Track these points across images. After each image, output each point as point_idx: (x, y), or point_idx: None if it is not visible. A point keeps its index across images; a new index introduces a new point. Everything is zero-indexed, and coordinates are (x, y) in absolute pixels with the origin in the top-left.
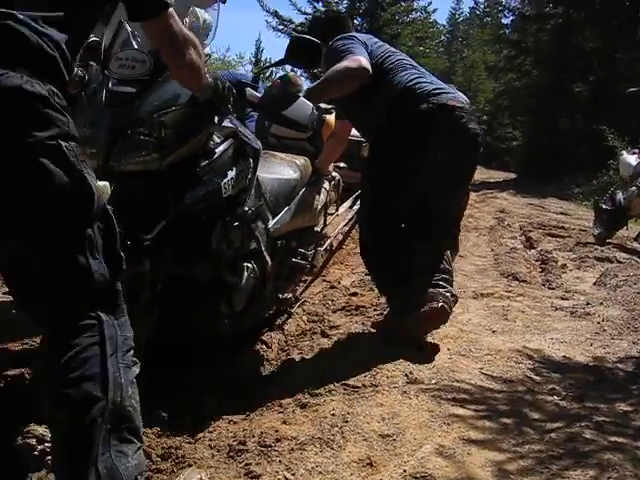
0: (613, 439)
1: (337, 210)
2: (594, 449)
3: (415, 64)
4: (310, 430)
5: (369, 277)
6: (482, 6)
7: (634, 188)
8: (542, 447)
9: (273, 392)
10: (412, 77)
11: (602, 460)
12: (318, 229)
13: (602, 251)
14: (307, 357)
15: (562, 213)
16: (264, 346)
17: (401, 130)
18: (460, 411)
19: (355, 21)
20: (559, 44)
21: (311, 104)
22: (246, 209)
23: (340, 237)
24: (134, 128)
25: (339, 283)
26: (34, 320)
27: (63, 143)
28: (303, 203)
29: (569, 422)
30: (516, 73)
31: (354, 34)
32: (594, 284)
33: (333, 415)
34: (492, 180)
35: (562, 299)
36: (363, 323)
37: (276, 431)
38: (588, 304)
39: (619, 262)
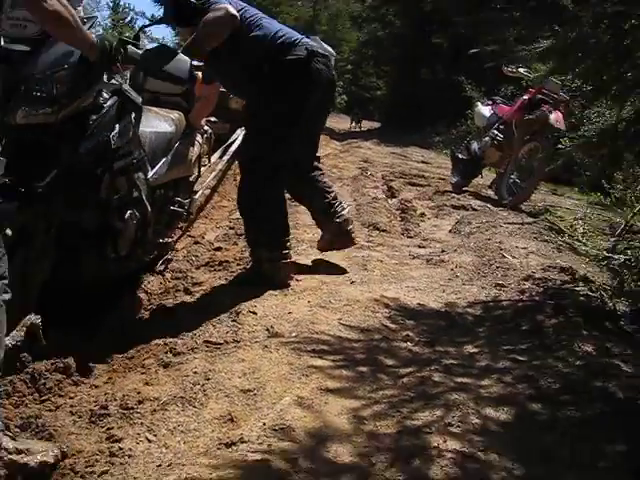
0: (459, 380)
1: (209, 161)
2: (442, 391)
3: (271, 18)
4: (172, 390)
5: (233, 231)
6: None
7: (487, 138)
8: (395, 392)
9: (135, 353)
10: (278, 28)
11: (448, 401)
12: (192, 179)
13: (458, 199)
14: (170, 315)
15: (423, 162)
16: (128, 306)
17: (283, 76)
18: (319, 362)
19: None
20: None
21: (188, 59)
22: (130, 160)
23: (208, 191)
24: (28, 84)
25: (203, 238)
26: None
27: None
28: (178, 155)
29: (420, 366)
30: (380, 23)
31: None
32: (450, 232)
33: (195, 373)
34: (358, 130)
35: (419, 247)
36: (226, 279)
37: (138, 393)
38: (443, 252)
39: (474, 210)
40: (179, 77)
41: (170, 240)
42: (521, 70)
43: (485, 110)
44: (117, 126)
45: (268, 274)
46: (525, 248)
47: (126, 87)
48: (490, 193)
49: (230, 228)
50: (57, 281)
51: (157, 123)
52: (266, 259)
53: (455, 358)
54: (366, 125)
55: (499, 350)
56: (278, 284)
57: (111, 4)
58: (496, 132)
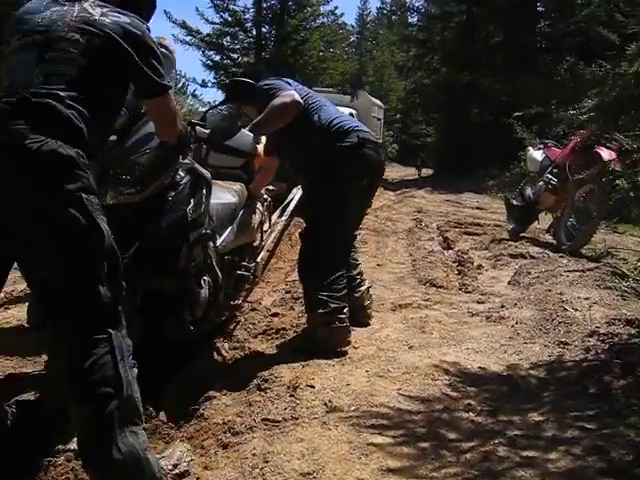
0: (525, 454)
1: (270, 226)
2: (507, 467)
3: (333, 106)
4: (232, 474)
5: (289, 295)
6: (389, 5)
7: (541, 183)
8: (458, 470)
9: (195, 432)
10: (335, 115)
11: (515, 478)
12: (256, 244)
13: (516, 247)
14: (229, 389)
15: (478, 208)
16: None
17: (335, 161)
18: (379, 439)
19: (263, 29)
20: (464, 41)
21: (251, 134)
22: (203, 231)
23: (267, 254)
24: (115, 169)
25: (260, 304)
26: (56, 335)
27: (84, 195)
28: (243, 223)
29: (484, 439)
30: (425, 71)
31: (279, 77)
32: (508, 283)
33: (254, 455)
34: (410, 177)
35: (478, 303)
36: (283, 347)
37: (197, 478)
38: (503, 306)
39: (532, 257)
40: (242, 151)
41: (239, 302)
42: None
43: (537, 154)
44: (192, 201)
45: (323, 338)
46: (588, 298)
47: (196, 164)
48: (548, 238)
49: (287, 292)
50: (140, 344)
51: (222, 195)
52: (320, 322)
53: (520, 428)
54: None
55: (566, 417)
56: (333, 349)
57: None
58: (550, 176)
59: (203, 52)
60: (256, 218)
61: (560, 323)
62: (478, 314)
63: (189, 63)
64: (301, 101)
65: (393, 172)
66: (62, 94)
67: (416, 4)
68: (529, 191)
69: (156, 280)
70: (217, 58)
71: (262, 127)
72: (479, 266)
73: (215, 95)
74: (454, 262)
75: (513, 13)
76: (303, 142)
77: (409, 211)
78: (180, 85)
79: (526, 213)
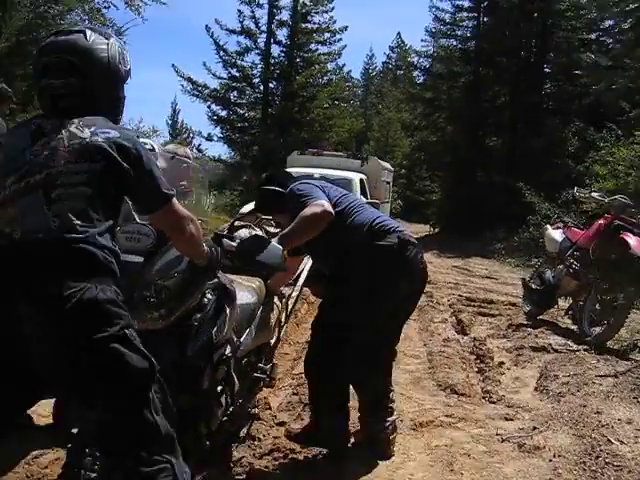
0: None
1: (287, 321)
2: None
3: (368, 206)
4: None
5: (297, 397)
6: (394, 60)
7: (562, 266)
8: None
9: None
10: (374, 215)
11: None
12: (272, 343)
13: (536, 336)
14: None
15: (487, 277)
16: None
17: (372, 261)
18: None
19: (270, 85)
20: (470, 100)
21: (281, 247)
22: (227, 350)
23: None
24: (140, 292)
25: (265, 408)
26: (117, 467)
27: (127, 331)
28: (261, 323)
29: None
30: (432, 130)
31: (312, 181)
32: (535, 389)
33: None
34: (415, 236)
35: (506, 419)
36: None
37: None
38: (535, 428)
39: (556, 351)
40: (271, 265)
41: (256, 411)
42: (594, 195)
43: (556, 234)
44: (217, 322)
45: (324, 438)
46: (630, 422)
47: (223, 278)
48: (567, 322)
49: (294, 393)
50: None
51: (242, 295)
52: (325, 426)
53: None
54: (423, 230)
55: None
56: (333, 452)
57: (170, 122)
58: (571, 260)
59: (209, 106)
60: (274, 316)
61: (607, 464)
62: (509, 439)
63: (197, 116)
64: (332, 211)
65: None
66: (84, 233)
67: (422, 62)
68: (549, 274)
69: (177, 400)
70: (223, 113)
71: (292, 239)
72: (500, 364)
73: (220, 149)
74: (472, 354)
75: (520, 74)
76: (338, 245)
77: None
78: (185, 136)
79: (545, 297)
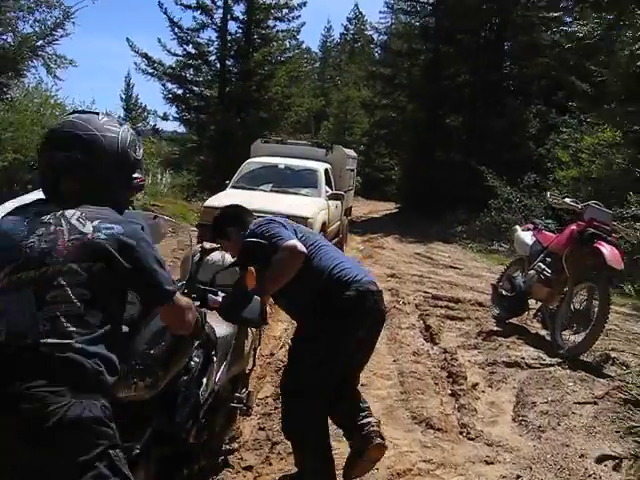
0: None
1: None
2: None
3: (329, 244)
4: None
5: (264, 434)
6: (352, 32)
7: (533, 272)
8: None
9: None
10: (334, 262)
11: None
12: (248, 370)
13: (508, 347)
14: None
15: (451, 266)
16: None
17: (333, 314)
18: None
19: (227, 62)
20: (430, 78)
21: (259, 299)
22: (210, 399)
23: None
24: (127, 361)
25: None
26: None
27: (112, 452)
28: (237, 352)
29: None
30: (391, 108)
31: (271, 217)
32: (513, 420)
33: None
34: (376, 215)
35: (487, 463)
36: None
37: None
38: (519, 478)
39: (529, 367)
40: (254, 319)
41: (234, 446)
42: (567, 200)
43: (526, 237)
44: (204, 380)
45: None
46: (617, 469)
47: (207, 328)
48: (537, 326)
49: (260, 428)
50: None
51: (220, 328)
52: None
53: None
54: (383, 208)
55: None
56: None
57: (123, 96)
58: (542, 265)
59: (164, 85)
60: (249, 342)
61: None
62: None
63: (152, 94)
64: (304, 250)
65: (358, 207)
66: (76, 343)
67: (381, 38)
68: (519, 280)
69: (158, 450)
70: (179, 91)
71: (269, 286)
72: (474, 385)
73: (176, 128)
74: (444, 370)
75: (480, 52)
76: (299, 288)
77: (381, 273)
78: (139, 111)
79: (516, 304)
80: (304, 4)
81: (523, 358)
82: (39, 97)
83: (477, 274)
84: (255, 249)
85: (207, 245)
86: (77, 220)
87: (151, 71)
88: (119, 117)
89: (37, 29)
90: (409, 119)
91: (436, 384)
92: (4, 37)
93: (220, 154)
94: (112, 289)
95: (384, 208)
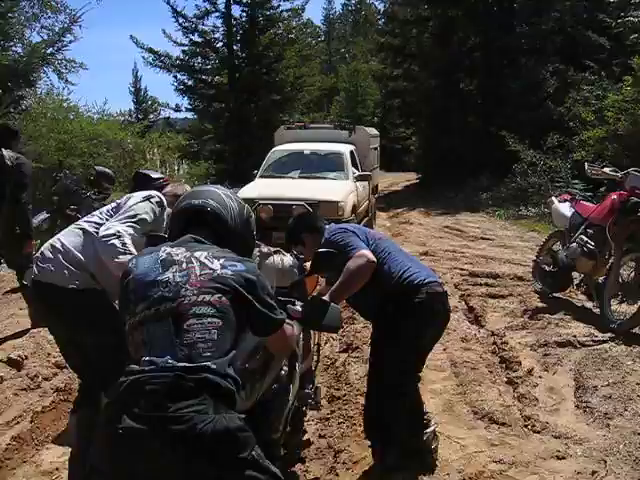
0: None
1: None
2: None
3: (398, 248)
4: None
5: (324, 440)
6: (353, 2)
7: (575, 245)
8: None
9: None
10: (405, 266)
11: None
12: (313, 367)
13: (557, 325)
14: None
15: (482, 238)
16: None
17: (406, 316)
18: None
19: (234, 47)
20: (441, 44)
21: (339, 307)
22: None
23: None
24: None
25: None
26: None
27: (254, 453)
28: (304, 350)
29: None
30: (404, 79)
31: (344, 226)
32: (577, 407)
33: None
34: (397, 188)
35: (558, 458)
36: None
37: None
38: (594, 473)
39: (583, 345)
40: (333, 325)
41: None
42: (606, 170)
43: (564, 208)
44: (290, 388)
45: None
46: None
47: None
48: (582, 298)
49: (320, 436)
50: None
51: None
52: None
53: None
54: (403, 178)
55: None
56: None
57: (132, 89)
58: (585, 238)
59: (175, 76)
60: (311, 340)
61: None
62: None
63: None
64: (374, 259)
65: (379, 182)
66: (212, 365)
67: (386, 6)
68: (561, 254)
69: None
70: (190, 82)
71: (342, 294)
72: (529, 371)
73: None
74: (496, 356)
75: (489, 13)
76: (372, 291)
77: (414, 252)
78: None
79: (561, 279)
80: None
81: (575, 336)
82: (52, 103)
83: (510, 244)
84: (328, 259)
85: (265, 249)
86: (206, 258)
87: (159, 64)
88: (129, 110)
89: (45, 36)
90: (422, 88)
91: (490, 372)
92: (14, 48)
93: (236, 141)
94: (236, 319)
95: (404, 179)
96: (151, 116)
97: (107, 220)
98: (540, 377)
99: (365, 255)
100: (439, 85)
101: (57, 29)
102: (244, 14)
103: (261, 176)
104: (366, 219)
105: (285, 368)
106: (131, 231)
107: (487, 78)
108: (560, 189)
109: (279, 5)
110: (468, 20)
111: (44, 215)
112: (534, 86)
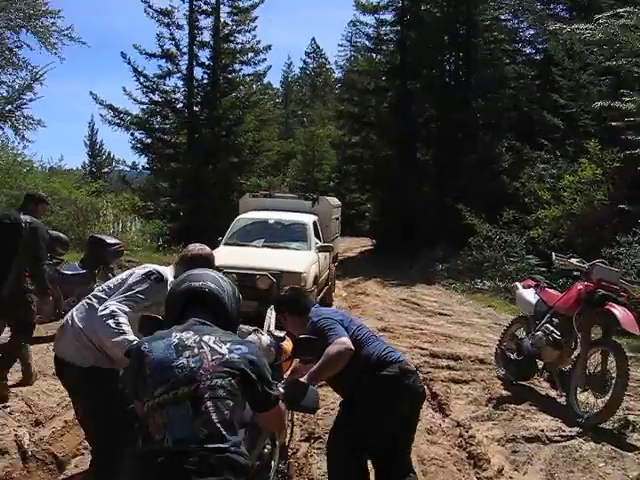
0: None
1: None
2: None
3: (377, 336)
4: None
5: None
6: (311, 66)
7: (540, 334)
8: None
9: None
10: (381, 347)
11: None
12: (286, 441)
13: (523, 417)
14: None
15: (440, 313)
16: None
17: (378, 390)
18: None
19: (195, 108)
20: (399, 115)
21: (316, 389)
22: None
23: None
24: None
25: None
26: None
27: None
28: None
29: None
30: (362, 147)
31: (330, 312)
32: None
33: None
34: (351, 254)
35: None
36: None
37: None
38: None
39: (551, 441)
40: (311, 407)
41: None
42: (573, 260)
43: (529, 295)
44: (272, 464)
45: None
46: None
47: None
48: (545, 386)
49: None
50: None
51: None
52: None
53: None
54: (358, 244)
55: None
56: None
57: (88, 142)
58: (551, 327)
59: (132, 134)
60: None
61: None
62: None
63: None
64: (353, 348)
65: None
66: (231, 445)
67: (344, 75)
68: (527, 343)
69: None
70: (148, 140)
71: (320, 376)
72: (500, 470)
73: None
74: (463, 451)
75: (446, 87)
76: (349, 372)
77: (372, 327)
78: (104, 157)
79: (526, 368)
80: (269, 47)
81: (542, 430)
82: (5, 156)
83: (468, 321)
84: (309, 345)
85: (244, 328)
86: (214, 343)
87: (117, 121)
88: (84, 164)
89: (4, 92)
90: (379, 156)
91: (459, 470)
92: None
93: (192, 200)
94: (244, 398)
95: (359, 245)
96: (105, 169)
97: (110, 296)
98: (511, 477)
99: (345, 342)
100: (396, 154)
101: (17, 86)
102: (206, 76)
103: (225, 243)
104: (326, 288)
105: (268, 446)
106: (127, 309)
107: (442, 149)
108: (515, 264)
109: (241, 69)
110: (425, 93)
111: None
112: (489, 160)
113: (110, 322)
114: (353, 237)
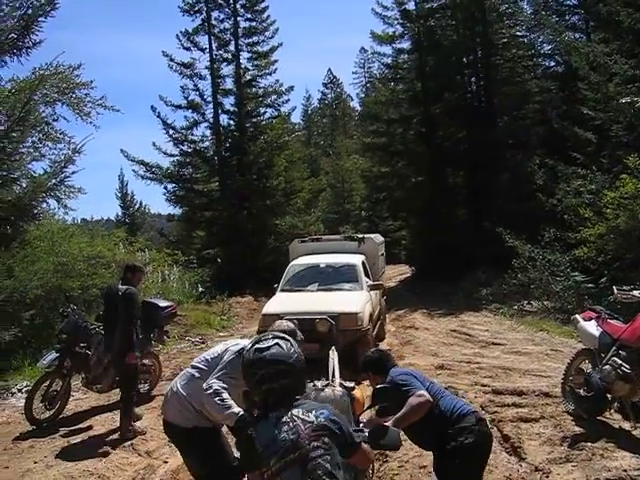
0: None
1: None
2: None
3: (447, 391)
4: None
5: None
6: (329, 96)
7: (608, 367)
8: None
9: None
10: (454, 401)
11: None
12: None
13: (602, 456)
14: None
15: (494, 343)
16: None
17: (461, 453)
18: None
19: (224, 154)
20: (426, 141)
21: (396, 429)
22: None
23: None
24: None
25: None
26: None
27: None
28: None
29: None
30: (392, 176)
31: (407, 371)
32: None
33: None
34: (392, 283)
35: None
36: None
37: None
38: None
39: None
40: (394, 445)
41: None
42: (635, 293)
43: (591, 328)
44: None
45: None
46: None
47: None
48: (617, 417)
49: None
50: None
51: None
52: None
53: None
54: (396, 272)
55: None
56: None
57: (119, 194)
58: (619, 361)
59: (165, 187)
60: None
61: None
62: None
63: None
64: (432, 400)
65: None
66: None
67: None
68: (595, 378)
69: None
70: (182, 192)
71: (402, 423)
72: None
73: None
74: None
75: (471, 109)
76: (427, 426)
77: (428, 365)
78: (137, 207)
79: (597, 403)
80: (292, 88)
81: (625, 470)
82: (49, 227)
83: (524, 350)
84: (383, 394)
85: (319, 384)
86: (302, 414)
87: (150, 176)
88: (117, 215)
89: (47, 167)
90: (410, 184)
91: None
92: (19, 182)
93: (228, 248)
94: (336, 448)
95: (397, 272)
96: (138, 220)
97: (208, 368)
98: None
99: (424, 394)
100: (426, 180)
101: (57, 159)
102: (232, 122)
103: (282, 289)
104: (379, 323)
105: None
106: (226, 386)
107: (473, 172)
108: (561, 282)
109: (265, 112)
110: (449, 116)
111: (53, 355)
112: (522, 179)
113: (216, 400)
114: (389, 264)
